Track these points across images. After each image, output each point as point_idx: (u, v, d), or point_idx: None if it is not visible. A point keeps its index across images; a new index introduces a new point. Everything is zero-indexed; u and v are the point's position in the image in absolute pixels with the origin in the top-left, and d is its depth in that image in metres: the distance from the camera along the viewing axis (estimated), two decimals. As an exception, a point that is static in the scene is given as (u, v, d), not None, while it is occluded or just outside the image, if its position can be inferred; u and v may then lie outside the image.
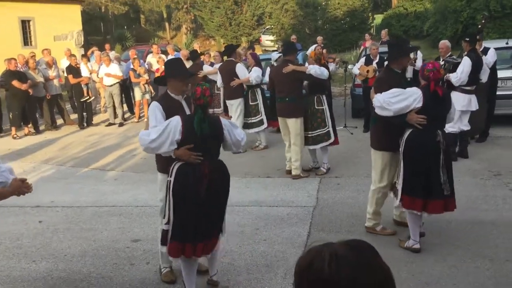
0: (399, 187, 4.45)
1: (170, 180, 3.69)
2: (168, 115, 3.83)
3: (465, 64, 6.94)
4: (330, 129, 6.93)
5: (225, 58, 9.48)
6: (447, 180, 4.29)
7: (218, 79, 9.01)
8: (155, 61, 12.36)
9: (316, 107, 6.91)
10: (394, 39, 10.10)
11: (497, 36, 17.25)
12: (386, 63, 5.17)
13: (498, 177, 6.34)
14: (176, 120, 3.66)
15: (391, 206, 4.97)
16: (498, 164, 6.87)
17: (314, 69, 6.63)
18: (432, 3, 25.14)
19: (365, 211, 5.33)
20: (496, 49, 8.16)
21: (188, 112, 3.98)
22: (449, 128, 6.64)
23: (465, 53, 7.32)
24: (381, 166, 4.77)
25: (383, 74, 5.00)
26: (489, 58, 7.75)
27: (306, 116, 6.89)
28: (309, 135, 6.93)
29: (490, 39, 14.66)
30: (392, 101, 4.30)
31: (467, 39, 7.46)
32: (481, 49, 7.70)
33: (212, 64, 10.49)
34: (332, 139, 6.92)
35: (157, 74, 11.76)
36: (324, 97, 7.04)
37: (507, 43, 9.35)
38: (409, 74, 7.77)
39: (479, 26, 8.01)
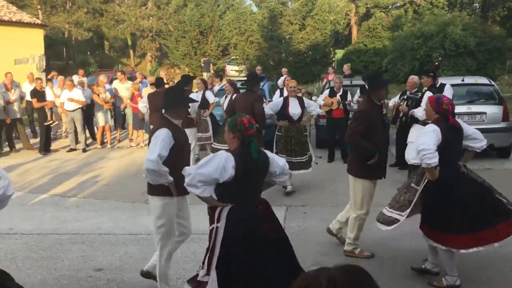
0: (420, 224, 4.34)
1: (217, 227, 3.34)
2: None
3: None
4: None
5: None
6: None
7: None
8: (123, 88, 12.44)
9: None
10: (370, 72, 10.54)
11: (452, 74, 18.16)
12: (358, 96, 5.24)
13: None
14: (226, 156, 3.34)
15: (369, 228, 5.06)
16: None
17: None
18: (390, 41, 26.27)
19: (331, 240, 5.40)
20: (452, 85, 8.52)
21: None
22: (412, 160, 6.87)
23: (425, 88, 7.63)
24: (361, 193, 4.89)
25: (364, 106, 5.07)
26: (447, 94, 8.11)
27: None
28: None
29: (445, 76, 15.38)
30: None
31: (431, 74, 7.68)
32: (438, 85, 8.06)
33: None
34: None
35: (128, 102, 11.69)
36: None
37: (462, 80, 9.85)
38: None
39: (436, 64, 8.38)
